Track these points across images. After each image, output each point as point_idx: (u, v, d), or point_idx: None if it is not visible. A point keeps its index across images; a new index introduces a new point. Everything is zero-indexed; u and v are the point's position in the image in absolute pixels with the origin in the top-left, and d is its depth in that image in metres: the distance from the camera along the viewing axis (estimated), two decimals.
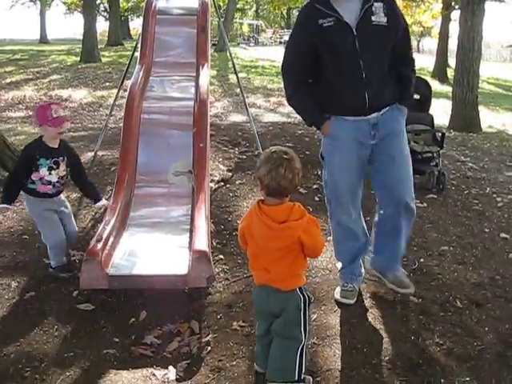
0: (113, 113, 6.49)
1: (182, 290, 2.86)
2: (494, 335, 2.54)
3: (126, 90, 4.38)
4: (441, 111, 10.11)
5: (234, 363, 2.33)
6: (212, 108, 10.76)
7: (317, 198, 4.19)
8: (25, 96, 12.92)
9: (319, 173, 4.50)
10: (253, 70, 18.51)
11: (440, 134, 5.01)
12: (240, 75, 6.95)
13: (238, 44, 32.67)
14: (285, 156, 1.97)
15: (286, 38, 31.32)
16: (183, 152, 3.83)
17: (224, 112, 11.28)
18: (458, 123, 9.28)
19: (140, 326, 2.65)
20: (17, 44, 28.87)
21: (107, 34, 27.49)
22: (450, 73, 16.28)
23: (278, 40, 35.18)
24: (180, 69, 4.68)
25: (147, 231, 3.36)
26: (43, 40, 33.67)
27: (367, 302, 2.79)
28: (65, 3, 35.87)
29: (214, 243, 3.38)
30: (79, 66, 17.78)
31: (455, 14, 17.50)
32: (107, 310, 2.78)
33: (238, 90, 7.90)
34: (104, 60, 19.10)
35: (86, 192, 3.31)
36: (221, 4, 27.01)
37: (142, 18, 5.02)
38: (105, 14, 37.15)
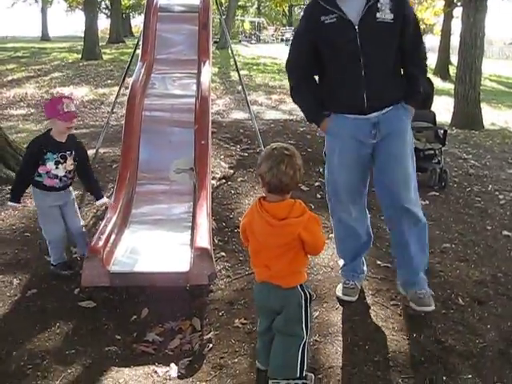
0: (114, 110, 6.51)
1: (183, 287, 2.85)
2: (495, 333, 2.53)
3: (127, 88, 4.39)
4: (443, 108, 10.07)
5: (236, 360, 2.33)
6: (214, 105, 10.76)
7: (319, 196, 4.18)
8: (26, 94, 12.91)
9: (321, 170, 4.50)
10: (254, 67, 18.49)
11: (442, 132, 4.99)
12: (242, 73, 6.93)
13: (240, 41, 32.66)
14: (286, 152, 1.96)
15: (288, 35, 31.40)
16: (185, 149, 3.83)
17: (226, 109, 11.26)
18: (460, 120, 9.26)
19: (142, 324, 2.65)
20: (18, 41, 28.87)
21: (109, 32, 27.53)
22: (452, 70, 16.23)
23: (280, 37, 35.19)
24: (182, 66, 4.67)
25: (149, 228, 3.36)
26: (45, 37, 33.73)
27: (369, 300, 2.79)
28: (66, 0, 35.82)
29: (216, 240, 3.38)
30: (81, 64, 17.77)
31: (457, 11, 17.45)
32: (109, 308, 2.78)
33: (240, 88, 7.88)
34: (105, 57, 19.08)
35: (90, 188, 3.31)
36: (222, 1, 26.95)
37: (143, 16, 5.02)
38: (106, 11, 37.20)
